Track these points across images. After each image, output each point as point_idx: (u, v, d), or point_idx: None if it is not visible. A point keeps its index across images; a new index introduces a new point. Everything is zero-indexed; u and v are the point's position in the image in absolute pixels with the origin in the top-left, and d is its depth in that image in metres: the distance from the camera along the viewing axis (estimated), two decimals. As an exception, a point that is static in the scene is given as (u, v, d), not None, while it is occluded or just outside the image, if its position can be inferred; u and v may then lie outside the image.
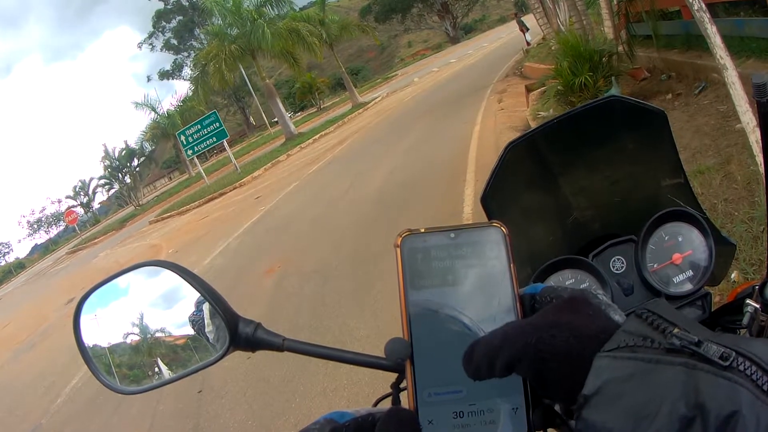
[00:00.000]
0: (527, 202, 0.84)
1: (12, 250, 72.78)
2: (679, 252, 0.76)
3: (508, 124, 8.11)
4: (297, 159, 17.67)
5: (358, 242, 5.71)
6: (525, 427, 0.39)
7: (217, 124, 22.16)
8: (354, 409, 0.44)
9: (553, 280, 0.77)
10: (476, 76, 17.38)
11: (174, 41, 64.59)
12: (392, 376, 0.47)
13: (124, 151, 42.03)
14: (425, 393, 0.40)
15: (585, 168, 0.83)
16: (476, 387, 0.39)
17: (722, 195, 3.02)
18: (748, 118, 2.66)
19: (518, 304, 0.41)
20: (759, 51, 4.62)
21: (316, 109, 44.38)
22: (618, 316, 0.36)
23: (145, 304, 0.57)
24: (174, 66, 66.81)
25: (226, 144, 23.65)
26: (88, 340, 0.55)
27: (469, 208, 5.08)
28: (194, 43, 61.68)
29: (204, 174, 23.75)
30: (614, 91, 5.95)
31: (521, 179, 0.81)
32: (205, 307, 0.53)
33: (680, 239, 0.76)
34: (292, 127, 26.02)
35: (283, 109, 25.43)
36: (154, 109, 33.19)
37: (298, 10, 26.46)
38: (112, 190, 48.08)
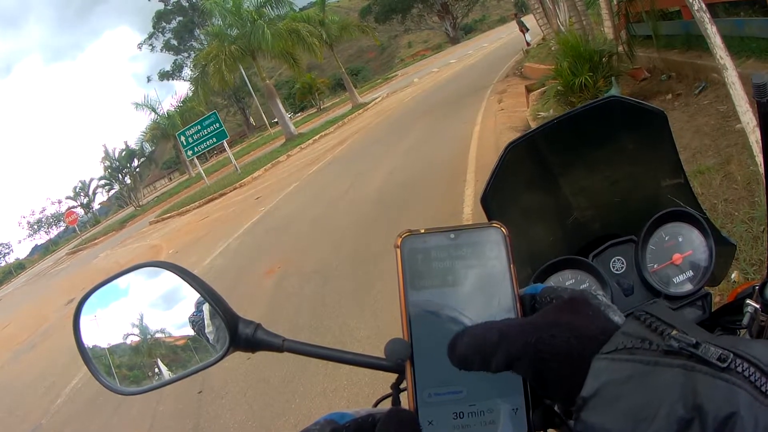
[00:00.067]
0: (527, 203, 0.84)
1: (12, 250, 72.80)
2: (680, 252, 0.75)
3: (508, 124, 8.11)
4: (297, 159, 17.68)
5: (358, 242, 5.71)
6: (525, 427, 0.39)
7: (217, 124, 22.17)
8: (354, 409, 0.44)
9: (553, 281, 0.77)
10: (476, 77, 17.39)
11: (174, 42, 64.64)
12: (392, 377, 0.47)
13: (124, 152, 42.07)
14: (425, 393, 0.40)
15: (585, 168, 0.83)
16: (476, 387, 0.39)
17: (722, 195, 3.02)
18: (748, 118, 2.66)
19: (518, 305, 0.41)
20: (759, 51, 4.62)
21: (316, 110, 44.40)
22: (617, 317, 0.36)
23: (145, 304, 0.57)
24: (174, 66, 66.87)
25: (226, 144, 23.67)
26: (88, 340, 0.55)
27: (469, 209, 5.08)
28: (194, 44, 61.73)
29: (204, 174, 23.77)
30: (614, 91, 5.95)
31: (521, 179, 0.81)
32: (205, 307, 0.53)
33: (680, 239, 0.76)
34: (292, 127, 26.03)
35: (283, 110, 25.43)
36: (154, 110, 33.21)
37: (298, 10, 26.47)
38: (112, 191, 48.21)
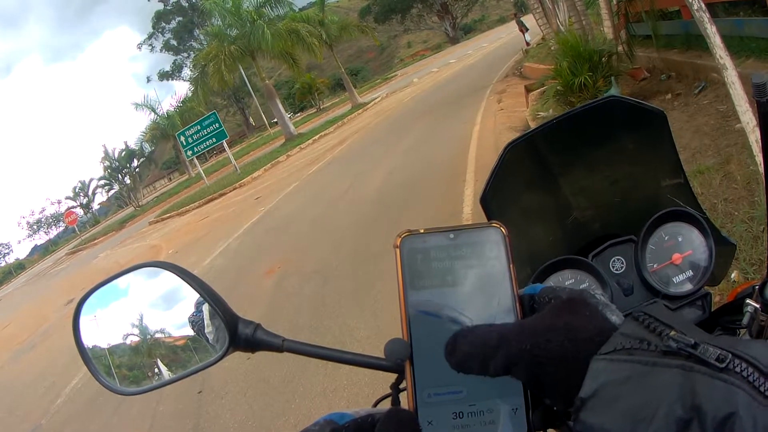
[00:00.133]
0: (527, 203, 0.84)
1: (12, 250, 72.84)
2: (679, 252, 0.75)
3: (508, 124, 8.11)
4: (297, 159, 17.68)
5: (358, 242, 5.71)
6: (525, 427, 0.39)
7: (217, 124, 22.16)
8: (354, 409, 0.44)
9: (552, 281, 0.77)
10: (476, 77, 17.39)
11: (174, 42, 64.63)
12: (392, 377, 0.47)
13: (124, 152, 42.07)
14: (425, 393, 0.40)
15: (585, 168, 0.83)
16: (476, 387, 0.39)
17: (722, 195, 3.03)
18: (747, 118, 2.66)
19: (518, 305, 0.41)
20: (759, 51, 4.62)
21: (315, 110, 44.41)
22: (615, 317, 0.36)
23: (145, 305, 0.57)
24: (173, 67, 66.87)
25: (225, 145, 23.66)
26: (88, 341, 0.55)
27: (469, 209, 5.08)
28: (194, 44, 61.73)
29: (204, 175, 23.77)
30: (614, 91, 5.95)
31: (521, 179, 0.81)
32: (205, 307, 0.53)
33: (680, 239, 0.76)
34: (292, 127, 26.03)
35: (282, 110, 25.43)
36: (153, 110, 33.22)
37: (297, 10, 26.47)
38: (112, 191, 48.22)
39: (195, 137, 22.33)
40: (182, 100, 39.06)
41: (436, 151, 8.65)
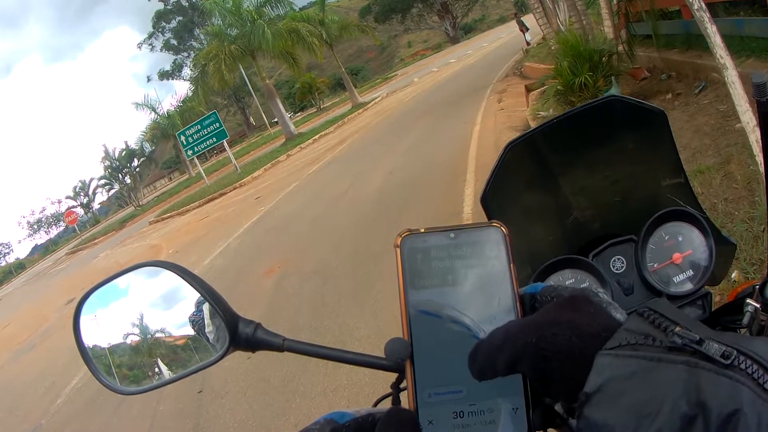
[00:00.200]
0: (527, 202, 0.84)
1: (12, 250, 72.86)
2: (680, 252, 0.75)
3: (508, 124, 8.11)
4: (297, 159, 17.68)
5: (358, 242, 5.71)
6: (525, 427, 0.39)
7: (217, 124, 22.16)
8: (354, 409, 0.44)
9: (553, 280, 0.77)
10: (476, 76, 17.38)
11: (174, 42, 64.62)
12: (392, 377, 0.47)
13: (124, 152, 42.08)
14: (425, 393, 0.40)
15: (585, 168, 0.83)
16: (476, 387, 0.39)
17: (722, 194, 3.02)
18: (748, 118, 2.66)
19: (518, 304, 0.41)
20: (759, 50, 4.62)
21: (316, 110, 44.39)
22: (619, 315, 0.37)
23: (145, 304, 0.57)
24: (174, 66, 66.86)
25: (226, 144, 23.66)
26: (88, 340, 0.55)
27: (469, 208, 5.08)
28: (194, 44, 61.70)
29: (204, 174, 23.75)
30: (614, 90, 5.95)
31: (521, 179, 0.81)
32: (205, 307, 0.53)
33: (680, 239, 0.76)
34: (292, 127, 26.03)
35: (283, 110, 25.43)
36: (154, 110, 33.21)
37: (297, 10, 26.46)
38: (112, 191, 48.22)
39: (195, 137, 22.33)
40: (182, 100, 39.07)
41: (436, 150, 8.65)
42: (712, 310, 0.74)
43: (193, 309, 0.54)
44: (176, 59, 66.12)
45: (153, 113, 33.40)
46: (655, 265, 0.76)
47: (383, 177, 8.35)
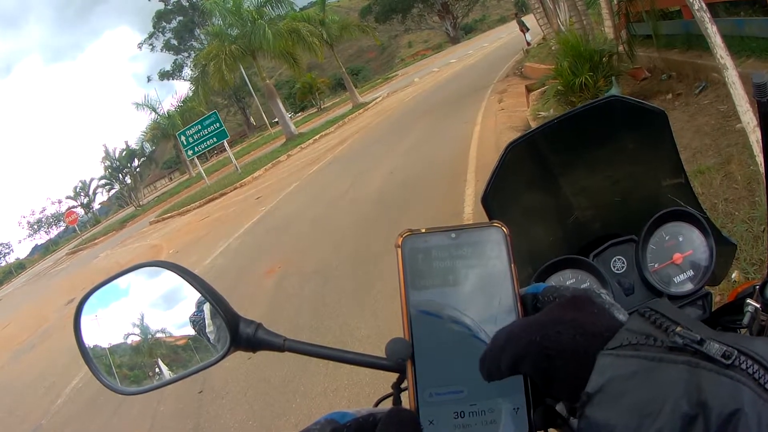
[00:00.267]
0: (528, 202, 0.84)
1: (12, 250, 72.86)
2: (680, 252, 0.75)
3: (509, 124, 8.11)
4: (297, 159, 17.68)
5: (359, 242, 5.71)
6: (526, 427, 0.39)
7: (218, 124, 22.17)
8: (355, 409, 0.44)
9: (553, 280, 0.77)
10: (476, 76, 17.38)
11: (174, 42, 64.63)
12: (393, 377, 0.47)
13: (125, 152, 42.11)
14: (426, 393, 0.40)
15: (585, 168, 0.83)
16: (477, 387, 0.39)
17: (723, 195, 3.02)
18: (748, 118, 2.66)
19: (519, 304, 0.41)
20: (759, 51, 4.62)
21: (316, 110, 44.39)
22: (621, 315, 0.37)
23: (146, 304, 0.57)
24: (174, 66, 66.88)
25: (226, 144, 23.67)
26: (89, 340, 0.55)
27: (470, 208, 5.08)
28: (194, 44, 61.73)
29: (204, 174, 23.76)
30: (614, 90, 5.95)
31: (522, 179, 0.81)
32: (206, 307, 0.53)
33: (681, 239, 0.76)
34: (293, 127, 26.03)
35: (283, 110, 25.43)
36: (154, 110, 33.22)
37: (298, 10, 26.46)
38: (113, 191, 48.24)
39: (196, 137, 22.34)
40: (183, 100, 39.04)
41: (437, 150, 8.65)
42: (713, 310, 0.74)
43: (193, 309, 0.54)
44: (176, 59, 66.19)
45: (153, 113, 33.44)
46: (656, 266, 0.76)
47: (384, 177, 8.34)
